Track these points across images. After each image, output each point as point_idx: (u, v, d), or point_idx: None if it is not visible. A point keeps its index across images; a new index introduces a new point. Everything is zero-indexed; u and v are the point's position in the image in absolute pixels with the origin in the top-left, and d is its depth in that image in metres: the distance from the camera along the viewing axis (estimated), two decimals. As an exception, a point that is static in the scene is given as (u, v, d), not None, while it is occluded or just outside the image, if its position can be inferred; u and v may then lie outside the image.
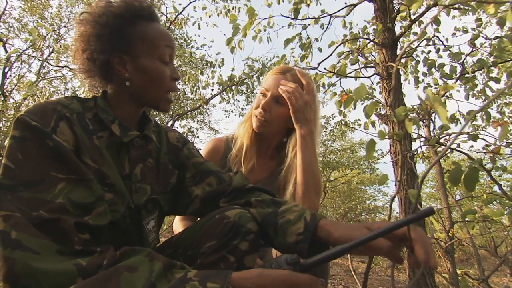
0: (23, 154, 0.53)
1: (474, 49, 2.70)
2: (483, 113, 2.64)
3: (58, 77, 8.18)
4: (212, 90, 7.09)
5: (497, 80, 2.88)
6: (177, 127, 8.70)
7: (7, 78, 7.68)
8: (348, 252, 0.56)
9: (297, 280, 0.51)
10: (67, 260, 0.48)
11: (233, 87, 6.50)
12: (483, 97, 3.38)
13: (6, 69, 7.42)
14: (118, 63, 0.69)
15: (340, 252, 0.53)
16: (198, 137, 9.13)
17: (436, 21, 2.21)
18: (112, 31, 0.68)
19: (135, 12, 0.69)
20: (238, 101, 8.54)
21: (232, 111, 9.24)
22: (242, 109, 8.55)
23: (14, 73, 8.08)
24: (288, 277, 0.51)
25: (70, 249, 0.49)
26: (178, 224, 1.07)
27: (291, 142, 1.07)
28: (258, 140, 1.13)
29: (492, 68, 2.66)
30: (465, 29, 3.17)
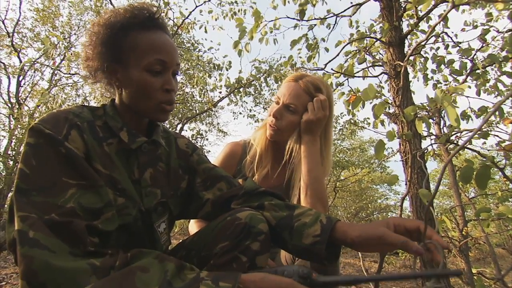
0: (37, 160, 0.56)
1: (484, 44, 2.65)
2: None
3: (70, 84, 8.38)
4: (220, 92, 7.16)
5: (510, 75, 2.81)
6: (186, 130, 8.79)
7: (21, 87, 7.89)
8: (362, 282, 0.59)
9: None
10: (80, 260, 0.50)
11: (241, 89, 6.54)
12: (496, 92, 3.31)
13: (20, 78, 7.63)
14: (110, 72, 0.70)
15: (354, 281, 0.57)
16: (207, 139, 9.18)
17: (444, 18, 2.18)
18: (105, 41, 0.69)
19: (130, 21, 0.69)
20: (246, 102, 8.56)
21: (240, 113, 9.28)
22: (250, 110, 8.57)
23: (27, 81, 8.31)
24: (290, 285, 0.53)
25: (82, 251, 0.51)
26: (193, 226, 1.09)
27: (294, 149, 1.06)
28: (273, 148, 1.13)
29: (504, 62, 2.60)
30: (475, 24, 3.11)
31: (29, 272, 0.46)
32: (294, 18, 2.73)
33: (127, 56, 0.69)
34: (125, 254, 0.53)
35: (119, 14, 0.70)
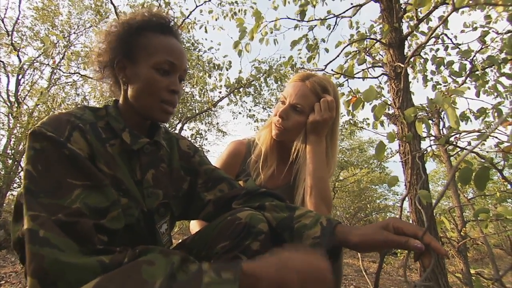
0: (43, 164, 0.56)
1: (483, 46, 2.66)
2: (495, 110, 2.60)
3: (69, 83, 8.37)
4: (220, 92, 7.16)
5: (510, 76, 2.82)
6: (186, 130, 8.79)
7: (21, 85, 7.88)
8: None
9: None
10: (90, 257, 0.50)
11: (241, 89, 6.55)
12: (495, 94, 3.33)
13: (20, 77, 7.62)
14: (119, 67, 0.73)
15: None
16: (206, 139, 9.19)
17: (445, 20, 2.19)
18: (119, 38, 0.73)
19: (145, 23, 0.73)
20: (246, 102, 8.57)
21: (240, 113, 9.29)
22: (249, 110, 8.59)
23: (27, 80, 8.29)
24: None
25: (90, 249, 0.52)
26: (195, 225, 1.09)
27: (300, 149, 1.06)
28: (278, 147, 1.12)
29: (503, 64, 2.62)
30: (474, 26, 3.12)
31: (40, 270, 0.47)
32: (294, 19, 2.74)
33: (138, 53, 0.72)
34: (134, 251, 0.53)
35: (137, 16, 0.74)
